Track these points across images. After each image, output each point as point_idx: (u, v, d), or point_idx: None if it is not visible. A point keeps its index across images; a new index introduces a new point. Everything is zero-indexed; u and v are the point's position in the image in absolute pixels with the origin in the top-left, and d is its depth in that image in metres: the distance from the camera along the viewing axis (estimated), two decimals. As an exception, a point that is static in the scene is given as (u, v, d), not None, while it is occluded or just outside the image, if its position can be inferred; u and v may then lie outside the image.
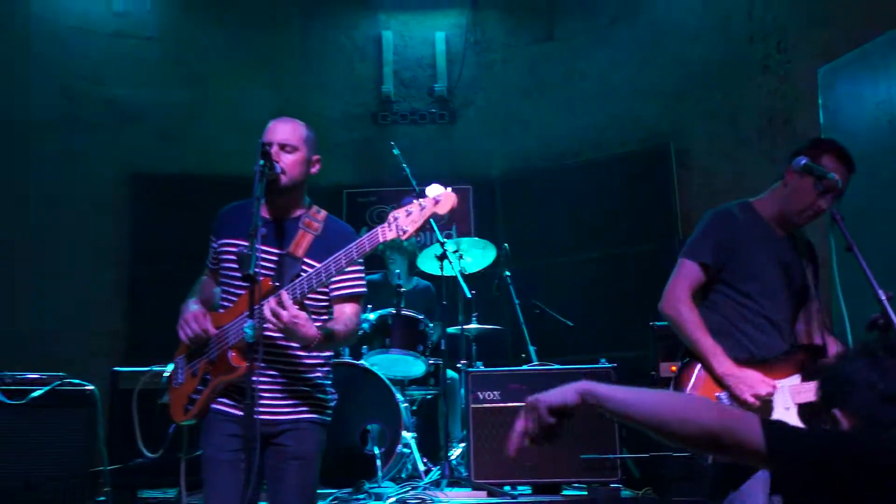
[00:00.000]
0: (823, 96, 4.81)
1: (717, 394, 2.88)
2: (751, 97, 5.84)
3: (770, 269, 3.03)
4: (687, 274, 3.07)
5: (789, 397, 2.86)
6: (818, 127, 4.80)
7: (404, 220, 2.81)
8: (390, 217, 2.82)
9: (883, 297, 2.58)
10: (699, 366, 2.96)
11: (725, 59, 6.23)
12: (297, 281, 2.84)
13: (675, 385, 3.00)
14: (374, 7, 7.40)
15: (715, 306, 3.08)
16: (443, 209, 2.84)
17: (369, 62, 7.34)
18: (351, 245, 2.84)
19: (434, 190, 2.87)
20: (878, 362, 1.74)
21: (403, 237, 2.80)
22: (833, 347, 3.07)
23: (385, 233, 2.82)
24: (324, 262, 2.87)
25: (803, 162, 2.90)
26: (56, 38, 6.72)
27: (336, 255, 2.85)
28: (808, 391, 2.80)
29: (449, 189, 2.85)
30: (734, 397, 2.84)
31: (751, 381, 2.82)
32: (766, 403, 2.80)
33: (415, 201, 2.83)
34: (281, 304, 2.72)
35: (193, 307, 3.04)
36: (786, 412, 2.82)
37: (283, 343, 2.97)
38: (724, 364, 2.87)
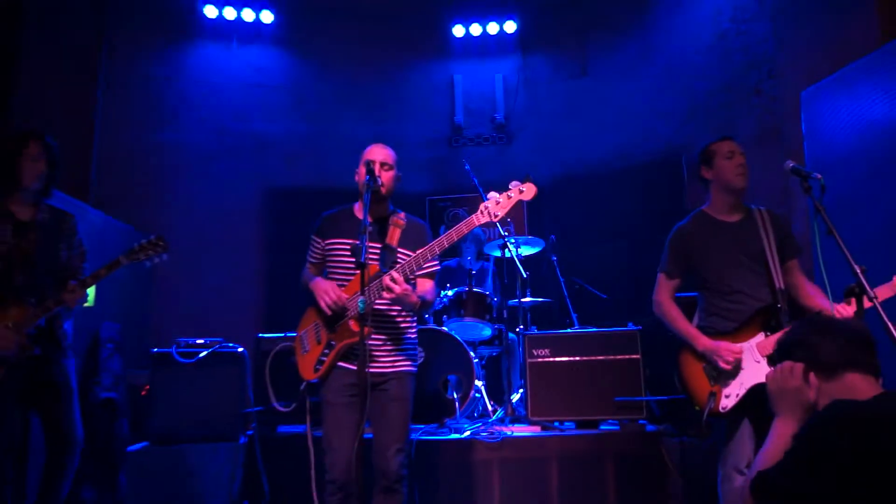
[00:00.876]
0: (805, 112, 4.65)
1: (703, 366, 2.97)
2: (747, 115, 5.71)
3: (727, 253, 3.06)
4: (660, 283, 3.26)
5: (757, 352, 2.90)
6: (801, 137, 4.63)
7: (494, 207, 2.85)
8: (482, 206, 2.86)
9: (857, 270, 2.54)
10: (687, 347, 3.04)
11: (726, 86, 6.10)
12: (405, 262, 2.90)
13: (676, 364, 3.07)
14: (446, 56, 7.44)
15: (704, 296, 3.16)
16: (527, 196, 2.88)
17: (444, 98, 7.37)
18: (451, 230, 2.88)
19: (516, 184, 2.89)
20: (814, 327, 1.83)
21: (495, 220, 2.83)
22: (807, 289, 3.08)
23: (479, 217, 2.86)
24: (427, 245, 2.92)
25: (790, 167, 2.84)
26: (210, 90, 6.90)
27: (439, 238, 2.90)
28: (771, 344, 2.82)
29: (530, 182, 2.88)
30: (714, 366, 2.91)
31: (721, 352, 2.87)
32: (737, 363, 2.86)
33: (504, 192, 2.86)
34: (394, 280, 2.79)
35: (326, 282, 3.08)
36: (757, 365, 2.85)
37: (389, 313, 3.03)
38: (700, 342, 2.97)
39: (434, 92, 7.36)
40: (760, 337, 2.90)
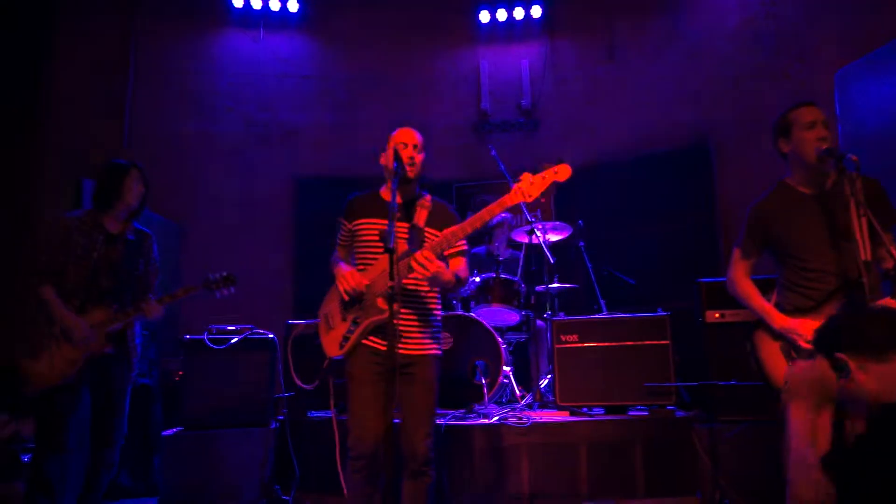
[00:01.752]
0: (840, 93, 4.55)
1: (780, 346, 2.83)
2: (776, 100, 5.58)
3: (809, 227, 2.88)
4: (735, 260, 3.08)
5: None
6: (835, 119, 4.54)
7: (528, 188, 2.80)
8: (515, 186, 2.82)
9: (893, 252, 2.44)
10: (763, 326, 2.90)
11: (754, 71, 6.00)
12: (437, 240, 2.89)
13: (752, 344, 2.93)
14: (472, 43, 7.40)
15: (783, 272, 2.98)
16: (562, 177, 2.83)
17: (470, 86, 7.33)
18: (483, 209, 2.86)
19: (549, 165, 2.83)
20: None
21: (529, 200, 2.78)
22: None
23: (514, 197, 2.82)
24: (460, 223, 2.91)
25: (822, 150, 2.75)
26: (238, 80, 6.93)
27: (471, 217, 2.88)
28: None
29: (564, 163, 2.82)
30: (792, 345, 2.78)
31: (800, 330, 2.74)
32: None
33: (538, 172, 2.81)
34: (426, 257, 2.78)
35: (347, 267, 3.10)
36: None
37: (417, 292, 3.03)
38: (777, 320, 2.83)
39: (460, 78, 7.33)
40: None
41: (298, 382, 4.39)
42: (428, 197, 3.19)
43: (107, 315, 3.50)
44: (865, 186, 2.77)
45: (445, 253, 3.08)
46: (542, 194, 2.80)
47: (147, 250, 3.79)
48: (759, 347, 2.88)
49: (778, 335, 2.82)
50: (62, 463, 3.38)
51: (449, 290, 3.11)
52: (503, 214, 5.65)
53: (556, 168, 2.80)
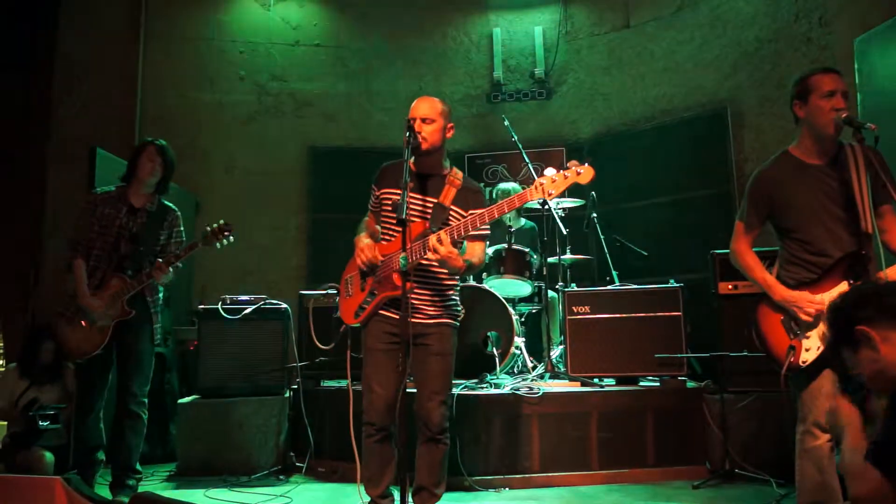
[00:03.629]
0: (859, 61, 4.47)
1: (781, 319, 2.79)
2: (795, 66, 5.48)
3: (811, 199, 2.82)
4: (737, 232, 3.01)
5: None
6: (854, 87, 4.46)
7: (550, 185, 2.81)
8: (537, 182, 2.83)
9: None
10: (765, 299, 2.86)
11: (774, 36, 5.89)
12: (455, 226, 2.90)
13: (753, 316, 2.89)
14: (485, 10, 7.29)
15: (785, 244, 2.93)
16: (584, 179, 2.82)
17: (483, 53, 7.24)
18: (503, 201, 2.88)
19: (575, 163, 2.82)
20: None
21: (549, 198, 2.79)
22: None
23: (533, 193, 2.82)
24: (478, 212, 2.91)
25: (842, 119, 2.70)
26: (249, 49, 6.91)
27: (490, 207, 2.90)
28: None
29: (587, 164, 2.80)
30: (794, 317, 2.75)
31: (801, 303, 2.71)
32: (819, 315, 2.66)
33: (561, 171, 2.81)
34: (440, 241, 2.80)
35: (366, 241, 3.12)
36: None
37: (433, 270, 3.04)
38: (778, 292, 2.79)
39: (473, 47, 7.25)
40: (844, 287, 2.71)
41: (318, 344, 4.42)
42: (459, 175, 3.17)
43: (122, 283, 3.77)
44: (867, 155, 2.72)
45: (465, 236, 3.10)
46: (561, 195, 2.82)
47: (171, 224, 4.03)
48: (760, 320, 2.85)
49: (780, 308, 2.79)
50: (91, 423, 3.82)
51: (459, 275, 3.11)
52: (512, 186, 5.64)
53: (580, 168, 2.78)
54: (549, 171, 2.81)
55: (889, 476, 1.56)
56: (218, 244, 3.87)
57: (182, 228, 4.09)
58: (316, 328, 4.53)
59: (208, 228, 3.86)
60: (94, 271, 3.81)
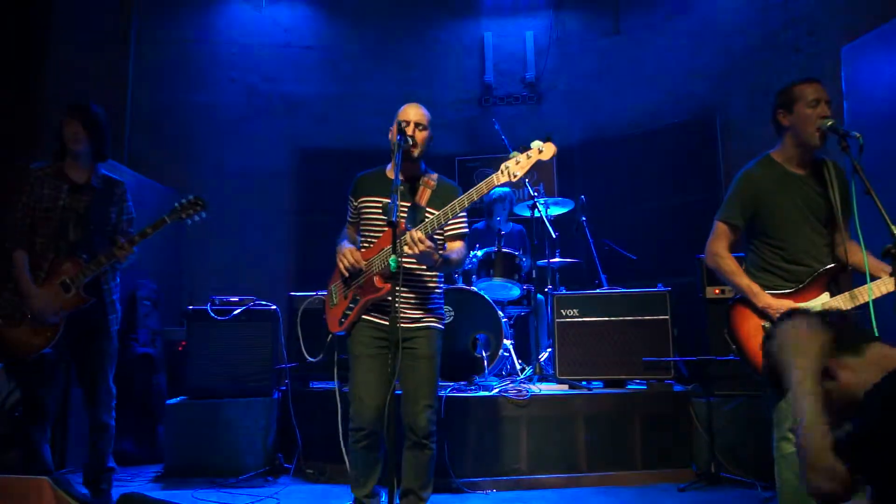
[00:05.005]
0: (846, 70, 4.52)
1: (763, 324, 2.79)
2: (784, 74, 5.54)
3: (793, 208, 2.87)
4: (719, 233, 2.99)
5: None
6: (841, 95, 4.51)
7: (514, 167, 2.82)
8: (502, 166, 2.83)
9: (895, 230, 2.43)
10: (744, 303, 2.87)
11: (763, 44, 5.96)
12: (427, 220, 2.91)
13: (729, 321, 2.88)
14: (476, 14, 7.33)
15: (757, 250, 2.96)
16: (546, 156, 2.83)
17: (474, 58, 7.28)
18: (472, 189, 2.88)
19: (537, 143, 2.83)
20: None
21: (514, 180, 2.80)
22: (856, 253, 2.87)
23: (499, 177, 2.83)
24: (448, 205, 2.92)
25: (827, 126, 2.74)
26: (240, 51, 6.91)
27: (459, 197, 2.90)
28: (837, 304, 2.71)
29: (549, 142, 2.82)
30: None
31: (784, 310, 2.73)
32: None
33: (522, 153, 2.82)
34: (413, 238, 2.80)
35: (348, 245, 3.14)
36: None
37: (417, 272, 3.05)
38: (762, 299, 2.80)
39: (464, 51, 7.28)
40: (825, 297, 2.77)
41: (306, 355, 4.44)
42: (434, 176, 3.19)
43: (77, 268, 3.42)
44: (838, 172, 2.83)
45: (445, 233, 3.11)
46: (526, 174, 2.82)
47: (119, 198, 3.68)
48: (737, 325, 2.85)
49: (759, 313, 2.81)
50: (44, 430, 3.48)
51: (439, 271, 3.13)
52: (502, 189, 5.67)
53: (541, 146, 2.80)
54: (514, 154, 2.83)
55: (857, 472, 1.53)
56: (189, 220, 3.60)
57: (131, 203, 3.75)
58: (305, 331, 4.54)
59: (177, 204, 3.58)
60: (41, 262, 3.43)
